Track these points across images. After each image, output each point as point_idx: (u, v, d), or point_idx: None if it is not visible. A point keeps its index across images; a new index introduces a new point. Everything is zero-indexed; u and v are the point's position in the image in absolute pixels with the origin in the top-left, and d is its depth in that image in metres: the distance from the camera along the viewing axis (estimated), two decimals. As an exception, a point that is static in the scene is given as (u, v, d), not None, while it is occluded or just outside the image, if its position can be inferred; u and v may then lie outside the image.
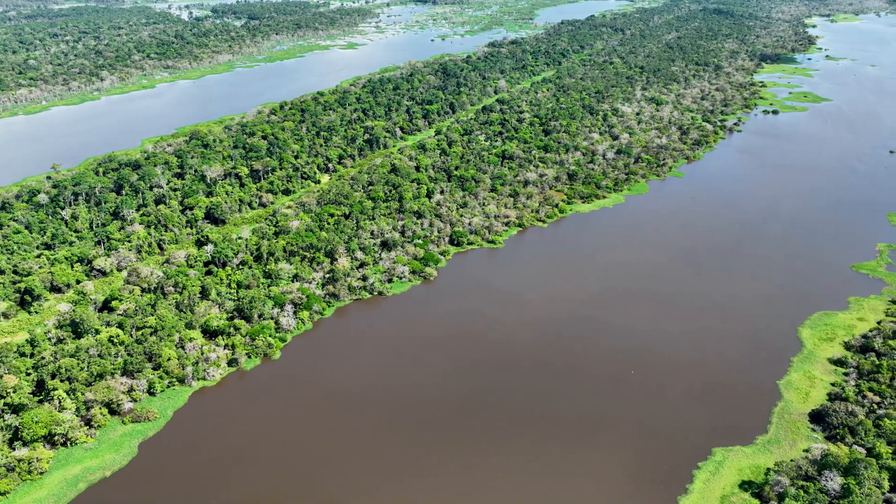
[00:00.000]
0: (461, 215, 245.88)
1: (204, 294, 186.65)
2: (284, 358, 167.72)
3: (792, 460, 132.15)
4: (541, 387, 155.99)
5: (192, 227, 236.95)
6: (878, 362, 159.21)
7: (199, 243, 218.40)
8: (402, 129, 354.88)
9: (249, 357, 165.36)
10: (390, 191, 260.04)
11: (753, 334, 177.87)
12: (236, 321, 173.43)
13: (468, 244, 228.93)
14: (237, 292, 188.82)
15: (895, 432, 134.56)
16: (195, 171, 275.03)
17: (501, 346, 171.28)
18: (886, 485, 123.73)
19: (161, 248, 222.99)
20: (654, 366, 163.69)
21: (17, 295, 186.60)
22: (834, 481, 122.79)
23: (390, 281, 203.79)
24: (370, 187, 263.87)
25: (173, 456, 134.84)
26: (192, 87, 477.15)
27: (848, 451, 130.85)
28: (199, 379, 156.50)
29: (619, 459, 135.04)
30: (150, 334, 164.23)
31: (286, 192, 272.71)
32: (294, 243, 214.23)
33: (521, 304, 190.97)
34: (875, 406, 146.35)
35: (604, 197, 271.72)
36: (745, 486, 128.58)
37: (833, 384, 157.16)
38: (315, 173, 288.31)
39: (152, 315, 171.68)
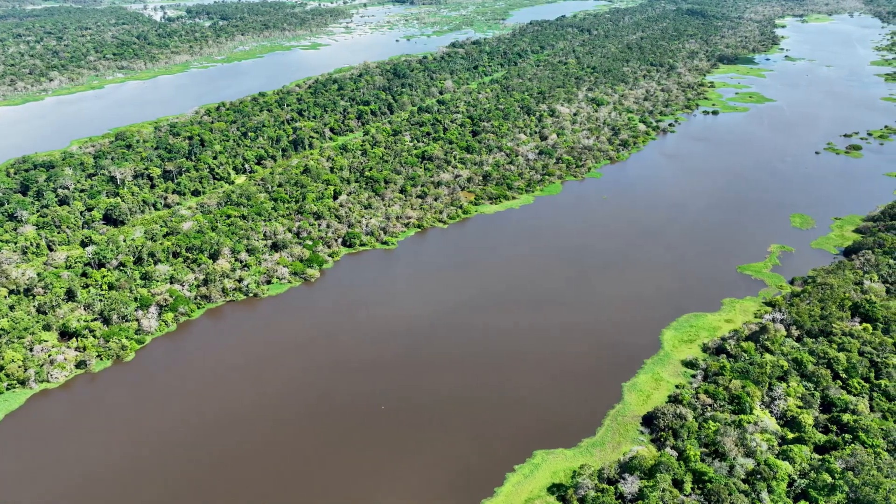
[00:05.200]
0: (361, 216, 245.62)
1: (71, 296, 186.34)
2: (137, 360, 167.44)
3: (604, 464, 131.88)
4: (385, 389, 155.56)
5: (88, 228, 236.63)
6: (723, 364, 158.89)
7: (84, 244, 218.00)
8: (332, 129, 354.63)
9: (101, 359, 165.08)
10: (296, 192, 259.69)
11: (617, 335, 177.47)
12: (92, 323, 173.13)
13: (360, 245, 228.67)
14: (107, 294, 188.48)
15: (712, 435, 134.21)
16: (107, 171, 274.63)
17: (359, 349, 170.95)
18: (689, 487, 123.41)
19: (51, 249, 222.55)
20: (505, 367, 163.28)
21: None
22: (633, 484, 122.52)
23: (269, 282, 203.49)
24: (278, 188, 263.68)
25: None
26: (141, 88, 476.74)
27: (656, 454, 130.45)
28: (41, 381, 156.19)
29: (440, 461, 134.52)
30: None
31: (196, 193, 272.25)
32: (179, 244, 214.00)
33: (391, 307, 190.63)
34: (707, 408, 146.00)
35: (513, 198, 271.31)
36: (554, 489, 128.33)
37: (678, 386, 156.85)
38: (229, 174, 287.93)
39: (6, 317, 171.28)
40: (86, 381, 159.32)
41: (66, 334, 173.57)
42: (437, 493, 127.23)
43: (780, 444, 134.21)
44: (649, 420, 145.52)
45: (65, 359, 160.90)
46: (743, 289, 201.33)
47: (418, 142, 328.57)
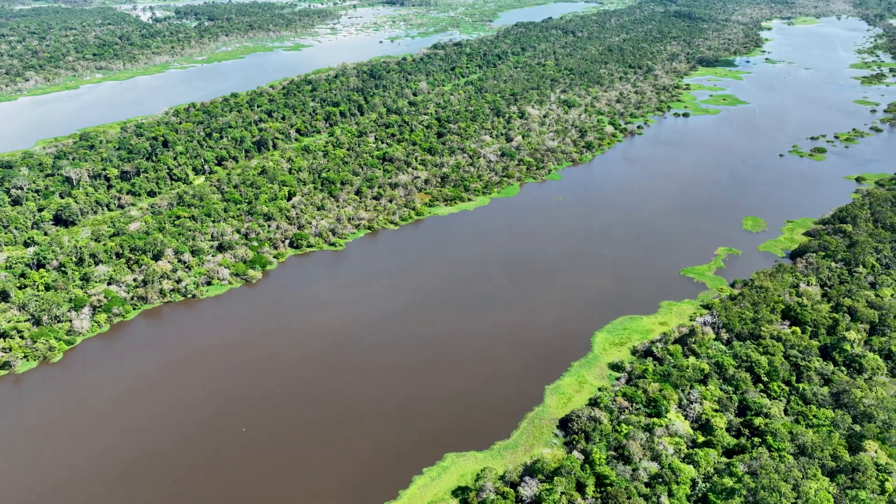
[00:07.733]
0: (313, 217, 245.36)
1: (4, 296, 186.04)
2: (64, 361, 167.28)
3: (509, 467, 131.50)
4: (306, 392, 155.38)
5: (37, 229, 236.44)
6: (647, 367, 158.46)
7: (27, 245, 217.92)
8: (299, 131, 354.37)
9: (27, 359, 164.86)
10: (250, 193, 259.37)
11: (549, 337, 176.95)
12: (22, 324, 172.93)
13: (308, 247, 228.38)
14: (42, 294, 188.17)
15: (622, 438, 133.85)
16: (63, 172, 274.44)
17: (283, 353, 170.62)
18: (591, 490, 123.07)
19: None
20: (432, 371, 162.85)
21: None
22: (532, 487, 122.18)
23: (210, 283, 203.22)
24: (233, 189, 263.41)
25: None
26: (116, 88, 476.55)
27: (562, 457, 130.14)
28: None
29: (348, 465, 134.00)
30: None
31: (151, 194, 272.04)
32: (123, 245, 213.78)
33: (326, 309, 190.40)
34: (625, 411, 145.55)
35: (469, 200, 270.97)
36: (459, 491, 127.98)
37: (600, 389, 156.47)
38: (187, 175, 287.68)
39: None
40: (9, 382, 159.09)
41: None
42: (339, 496, 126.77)
43: (689, 448, 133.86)
44: (566, 423, 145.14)
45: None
46: (683, 291, 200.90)
47: (382, 143, 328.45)
